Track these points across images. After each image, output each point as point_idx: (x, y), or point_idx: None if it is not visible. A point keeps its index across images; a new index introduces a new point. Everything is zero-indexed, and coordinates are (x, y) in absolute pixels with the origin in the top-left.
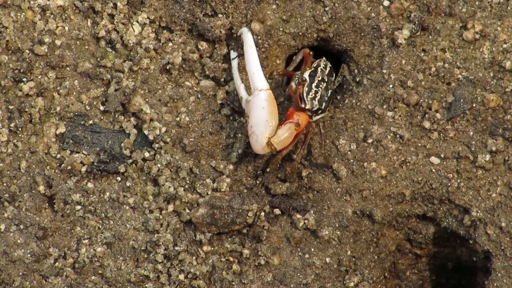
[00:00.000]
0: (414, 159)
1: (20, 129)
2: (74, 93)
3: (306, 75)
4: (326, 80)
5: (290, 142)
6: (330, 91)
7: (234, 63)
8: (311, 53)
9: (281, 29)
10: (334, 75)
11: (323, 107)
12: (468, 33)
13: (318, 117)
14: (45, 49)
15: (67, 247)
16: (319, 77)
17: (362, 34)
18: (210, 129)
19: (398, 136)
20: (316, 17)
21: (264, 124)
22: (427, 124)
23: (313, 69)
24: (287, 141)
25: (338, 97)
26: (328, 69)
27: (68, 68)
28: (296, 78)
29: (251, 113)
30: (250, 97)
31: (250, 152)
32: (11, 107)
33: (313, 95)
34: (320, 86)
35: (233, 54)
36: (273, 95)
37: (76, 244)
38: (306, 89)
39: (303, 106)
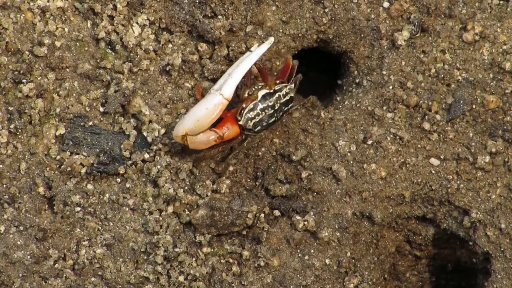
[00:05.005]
0: (414, 160)
1: (20, 130)
2: (74, 94)
3: (260, 93)
4: (276, 108)
5: (204, 147)
6: (273, 119)
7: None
8: (294, 61)
9: (281, 30)
10: (289, 106)
11: (255, 130)
12: (468, 35)
13: (248, 134)
14: (45, 51)
15: (67, 249)
16: (271, 102)
17: (362, 35)
18: None
19: (397, 137)
20: (316, 19)
21: (194, 120)
22: (426, 126)
23: (272, 91)
24: (200, 146)
25: (338, 98)
26: (286, 98)
27: (68, 70)
28: (253, 89)
29: (199, 103)
30: (212, 92)
31: (250, 153)
32: (11, 108)
33: (253, 116)
34: (266, 111)
35: (254, 48)
36: (225, 107)
37: (76, 246)
38: (251, 106)
39: (238, 118)
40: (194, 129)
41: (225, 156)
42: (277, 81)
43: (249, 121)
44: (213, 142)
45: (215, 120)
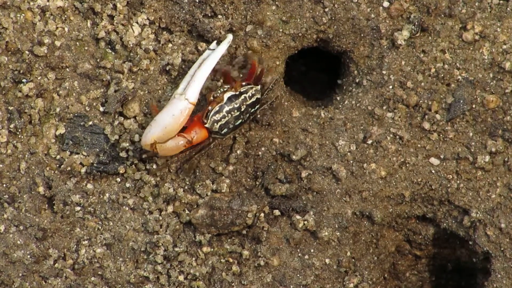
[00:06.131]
0: (414, 160)
1: (19, 130)
2: (74, 94)
3: (226, 95)
4: (243, 110)
5: (174, 153)
6: (240, 121)
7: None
8: (264, 64)
9: (280, 30)
10: (256, 107)
11: (222, 133)
12: (468, 34)
13: (215, 136)
14: (45, 50)
15: (67, 248)
16: (237, 104)
17: (362, 35)
18: None
19: (397, 137)
20: (316, 18)
21: (162, 128)
22: (426, 125)
23: (237, 93)
24: (170, 152)
25: (338, 98)
26: (253, 99)
27: (67, 69)
28: (219, 91)
29: (164, 109)
30: (177, 97)
31: (250, 153)
32: (10, 108)
33: (219, 118)
34: (232, 113)
35: (213, 45)
36: (191, 112)
37: (76, 245)
38: (216, 108)
39: (204, 121)
40: (162, 136)
41: (191, 156)
42: (243, 83)
43: (215, 124)
44: (182, 147)
45: (182, 126)
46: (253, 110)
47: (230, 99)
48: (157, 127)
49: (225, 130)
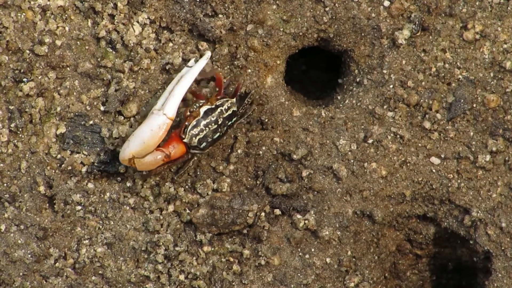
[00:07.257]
0: (415, 159)
1: (20, 129)
2: (75, 93)
3: (202, 109)
4: (220, 122)
5: (152, 168)
6: (218, 134)
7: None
8: (225, 80)
9: (281, 29)
10: (233, 120)
11: (201, 147)
12: (469, 33)
13: (194, 151)
14: (46, 49)
15: (68, 248)
16: (213, 117)
17: (363, 34)
18: None
19: (398, 136)
20: (317, 17)
21: (140, 143)
22: (427, 125)
23: (213, 106)
24: (149, 167)
25: (339, 97)
26: (229, 112)
27: (68, 69)
28: (195, 106)
29: (143, 124)
30: (155, 112)
31: (250, 152)
32: (11, 107)
33: (197, 132)
34: (209, 126)
35: (191, 63)
36: (169, 127)
37: (77, 245)
38: (194, 123)
39: (183, 136)
40: (140, 151)
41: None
42: (218, 97)
43: (194, 138)
44: (160, 162)
45: (161, 141)
46: (230, 123)
47: (206, 113)
48: (135, 142)
49: (204, 144)
